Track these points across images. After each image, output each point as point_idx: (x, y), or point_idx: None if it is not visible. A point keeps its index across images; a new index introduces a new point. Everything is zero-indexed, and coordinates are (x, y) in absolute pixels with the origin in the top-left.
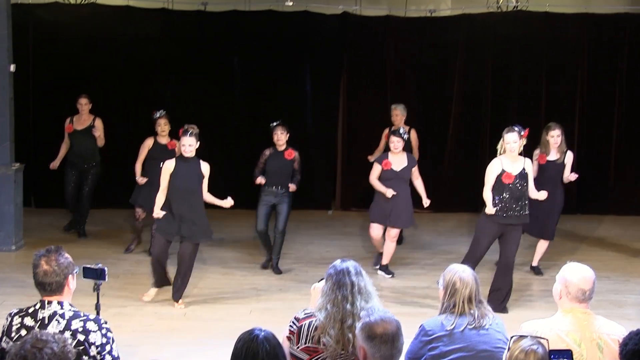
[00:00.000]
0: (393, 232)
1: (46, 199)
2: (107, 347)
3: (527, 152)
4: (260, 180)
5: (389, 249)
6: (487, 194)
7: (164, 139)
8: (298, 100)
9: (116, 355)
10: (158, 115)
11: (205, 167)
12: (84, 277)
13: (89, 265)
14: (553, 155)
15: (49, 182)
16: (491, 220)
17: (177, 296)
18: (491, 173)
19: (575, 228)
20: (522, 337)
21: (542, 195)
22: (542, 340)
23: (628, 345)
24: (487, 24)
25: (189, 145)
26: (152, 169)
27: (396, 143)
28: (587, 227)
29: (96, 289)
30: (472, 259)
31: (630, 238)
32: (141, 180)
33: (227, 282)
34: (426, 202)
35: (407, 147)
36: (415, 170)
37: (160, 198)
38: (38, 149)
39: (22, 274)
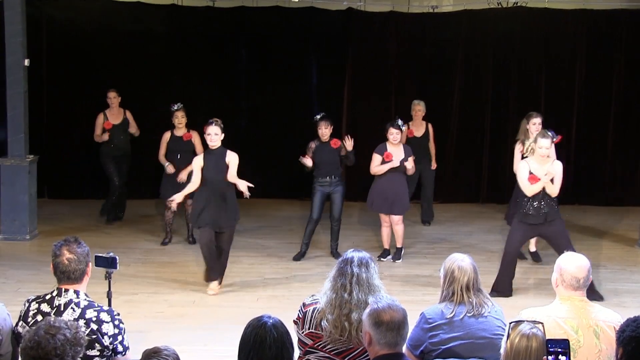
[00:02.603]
0: (396, 218)
1: (59, 190)
2: (119, 337)
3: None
4: (307, 161)
5: (399, 232)
6: (525, 185)
7: (180, 131)
8: (304, 93)
9: (127, 345)
10: (175, 108)
11: (230, 157)
12: (96, 265)
13: (100, 254)
14: None
15: (62, 173)
16: (520, 222)
17: (213, 276)
18: (521, 174)
19: (573, 218)
20: (519, 322)
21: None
22: (537, 325)
23: (625, 332)
24: (488, 19)
25: (214, 134)
26: (170, 161)
27: (395, 135)
28: (584, 217)
29: (108, 277)
30: (505, 258)
31: (626, 228)
32: (170, 168)
33: (235, 270)
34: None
35: (425, 141)
36: (411, 161)
37: (189, 189)
38: (51, 141)
39: (36, 262)
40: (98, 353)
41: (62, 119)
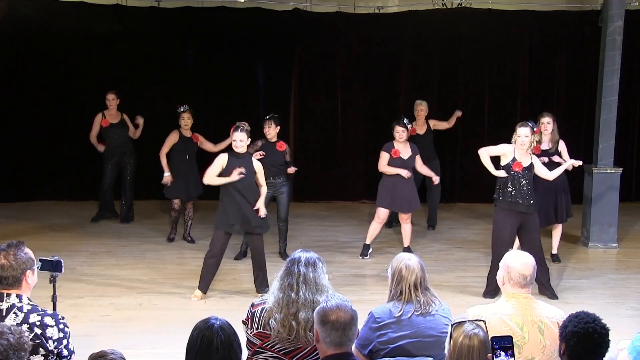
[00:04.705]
0: (405, 216)
1: (2, 193)
2: (64, 342)
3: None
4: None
5: (406, 231)
6: (489, 166)
7: (187, 132)
8: (251, 95)
9: (72, 349)
10: (182, 109)
11: (257, 164)
12: (40, 269)
13: (45, 257)
14: (545, 145)
15: (6, 176)
16: (506, 211)
17: (261, 289)
18: (499, 149)
19: None
20: (461, 323)
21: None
22: (479, 323)
23: (568, 327)
24: (433, 20)
25: (239, 140)
26: (179, 161)
27: (401, 133)
28: None
29: (52, 280)
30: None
31: (568, 225)
32: (169, 177)
33: (183, 273)
34: (436, 179)
35: (428, 138)
36: (418, 158)
37: (211, 181)
38: None
39: None
40: (42, 358)
41: (6, 120)
